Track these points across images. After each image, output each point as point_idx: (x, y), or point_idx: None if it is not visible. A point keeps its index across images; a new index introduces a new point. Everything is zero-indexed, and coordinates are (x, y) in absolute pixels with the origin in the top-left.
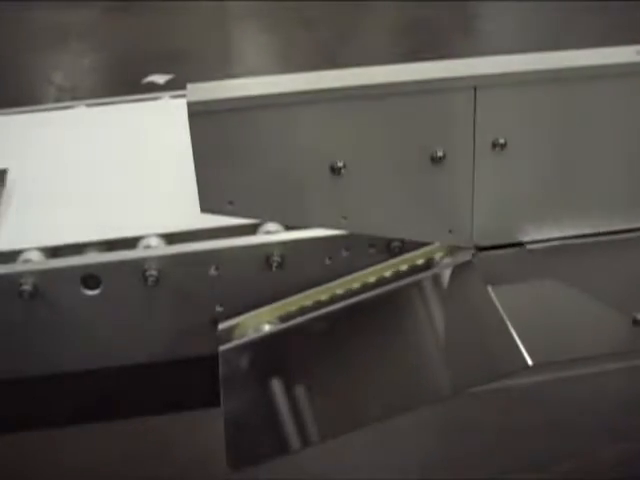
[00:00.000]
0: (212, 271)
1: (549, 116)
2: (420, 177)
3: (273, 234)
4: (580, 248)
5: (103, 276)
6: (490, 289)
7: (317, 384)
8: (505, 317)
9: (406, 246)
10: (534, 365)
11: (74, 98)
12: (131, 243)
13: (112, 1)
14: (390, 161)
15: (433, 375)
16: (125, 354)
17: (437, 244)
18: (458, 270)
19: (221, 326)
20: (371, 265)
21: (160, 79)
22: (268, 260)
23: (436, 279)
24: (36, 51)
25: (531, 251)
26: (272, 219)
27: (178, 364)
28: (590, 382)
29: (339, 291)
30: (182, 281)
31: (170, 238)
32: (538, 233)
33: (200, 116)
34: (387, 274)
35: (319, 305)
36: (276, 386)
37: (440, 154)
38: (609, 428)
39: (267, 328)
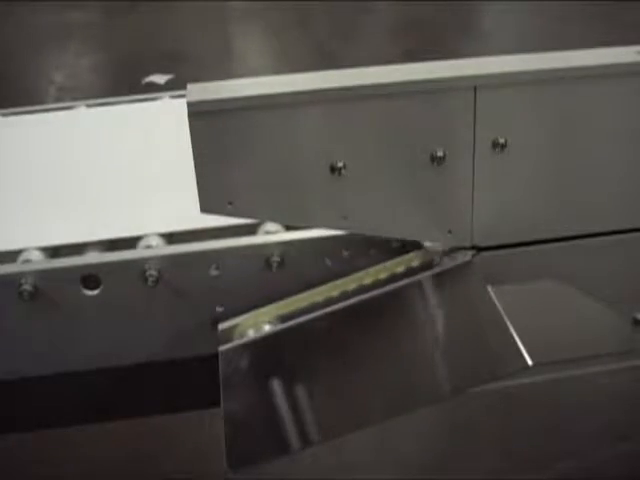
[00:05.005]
0: (212, 271)
1: (549, 116)
2: (420, 177)
3: (273, 234)
4: (580, 248)
5: (103, 276)
6: (490, 289)
7: (317, 384)
8: (505, 317)
9: (406, 246)
10: (534, 365)
11: (74, 98)
12: (131, 243)
13: (112, 1)
14: (390, 161)
15: (433, 375)
16: (125, 354)
17: (437, 244)
18: (458, 270)
19: (221, 326)
20: (371, 265)
21: (160, 79)
22: (268, 260)
23: (436, 279)
24: (36, 51)
25: (531, 251)
26: (272, 219)
27: (178, 364)
28: (590, 382)
29: (339, 291)
30: (182, 281)
31: (170, 238)
32: (538, 233)
33: (200, 116)
34: (387, 274)
35: (319, 305)
36: (276, 386)
37: (440, 154)
38: (609, 428)
39: (267, 328)
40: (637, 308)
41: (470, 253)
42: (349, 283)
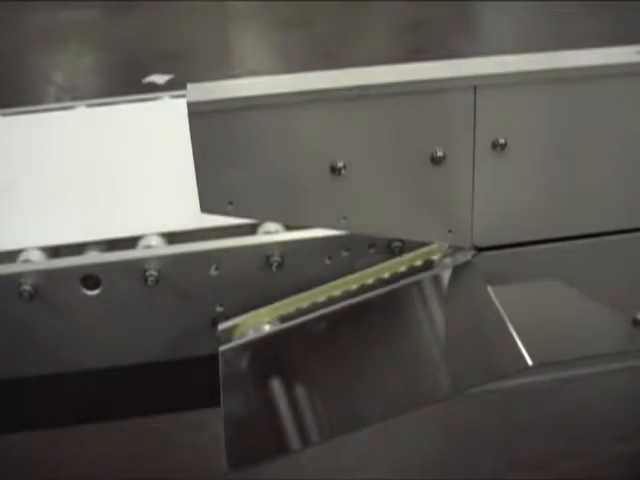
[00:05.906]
0: (212, 271)
1: (549, 116)
2: (420, 177)
3: (273, 234)
4: (580, 248)
5: (103, 276)
6: (490, 289)
7: (317, 384)
8: (505, 317)
9: (406, 246)
10: (534, 365)
11: (74, 98)
12: (131, 243)
13: (112, 1)
14: (390, 161)
15: (433, 375)
16: (125, 354)
17: (437, 244)
18: (458, 270)
19: (221, 326)
20: (371, 265)
21: (160, 79)
22: (268, 260)
23: (436, 279)
24: (36, 51)
25: (531, 251)
26: (272, 219)
27: (178, 364)
28: (590, 382)
29: (339, 291)
30: (182, 281)
31: (170, 238)
32: (538, 233)
33: (200, 116)
34: (387, 274)
35: (319, 305)
36: (276, 386)
37: (440, 154)
38: (609, 428)
39: (267, 328)
40: (637, 308)
41: (470, 253)
42: (349, 283)
